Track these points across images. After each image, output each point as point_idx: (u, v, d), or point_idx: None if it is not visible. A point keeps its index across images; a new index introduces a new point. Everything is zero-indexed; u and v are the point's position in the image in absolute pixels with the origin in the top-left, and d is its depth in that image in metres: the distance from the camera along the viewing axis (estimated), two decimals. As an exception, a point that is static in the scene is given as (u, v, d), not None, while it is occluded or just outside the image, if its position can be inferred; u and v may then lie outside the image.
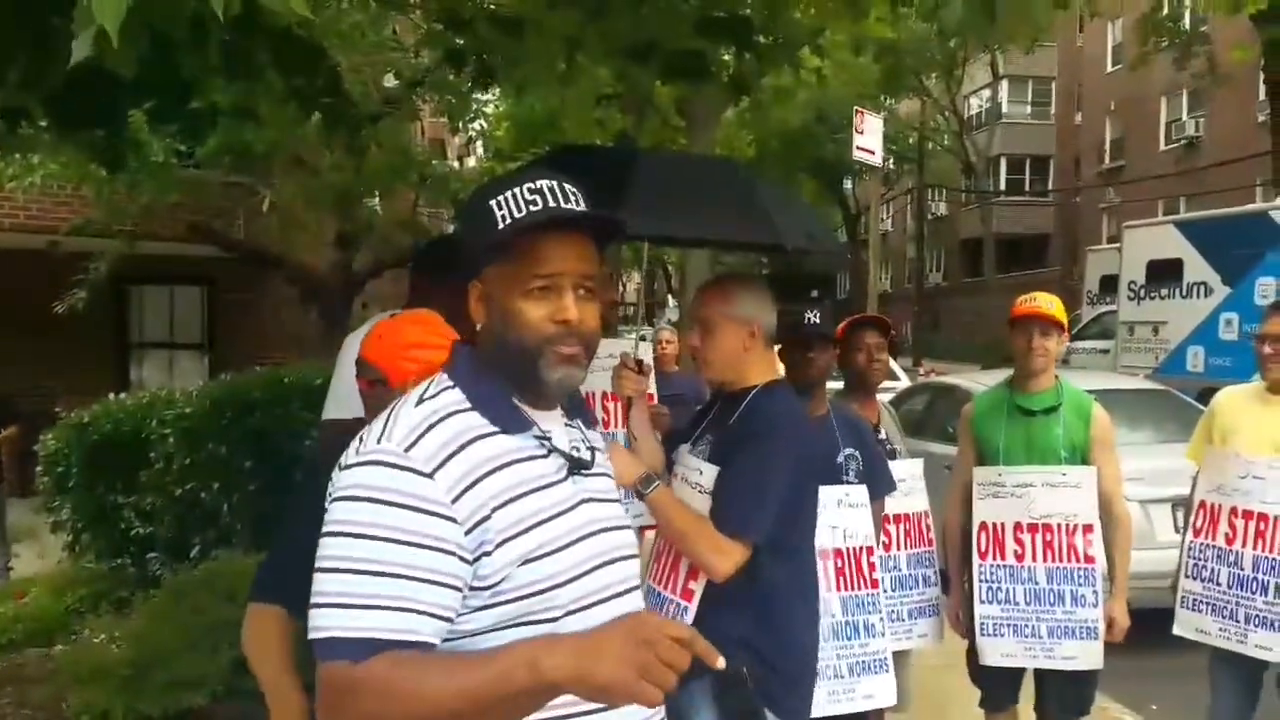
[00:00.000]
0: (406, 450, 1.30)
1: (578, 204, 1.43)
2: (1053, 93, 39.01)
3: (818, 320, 3.20)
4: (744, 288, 2.58)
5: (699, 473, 2.48)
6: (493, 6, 4.53)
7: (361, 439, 1.36)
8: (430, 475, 1.29)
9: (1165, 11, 22.05)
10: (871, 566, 3.19)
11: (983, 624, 3.52)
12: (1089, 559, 3.41)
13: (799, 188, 28.44)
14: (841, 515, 3.14)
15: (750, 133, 22.13)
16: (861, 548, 3.18)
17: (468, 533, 1.29)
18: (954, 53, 16.06)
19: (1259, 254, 13.33)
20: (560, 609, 1.36)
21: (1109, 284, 17.69)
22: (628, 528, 1.56)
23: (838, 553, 3.14)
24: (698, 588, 2.44)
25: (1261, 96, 20.72)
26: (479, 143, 16.47)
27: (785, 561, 2.42)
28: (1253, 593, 3.43)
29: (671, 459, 2.63)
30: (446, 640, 1.30)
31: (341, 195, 9.55)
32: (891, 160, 33.57)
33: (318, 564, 1.28)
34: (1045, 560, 3.44)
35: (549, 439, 1.44)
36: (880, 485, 3.35)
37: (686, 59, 3.65)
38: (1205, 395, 4.05)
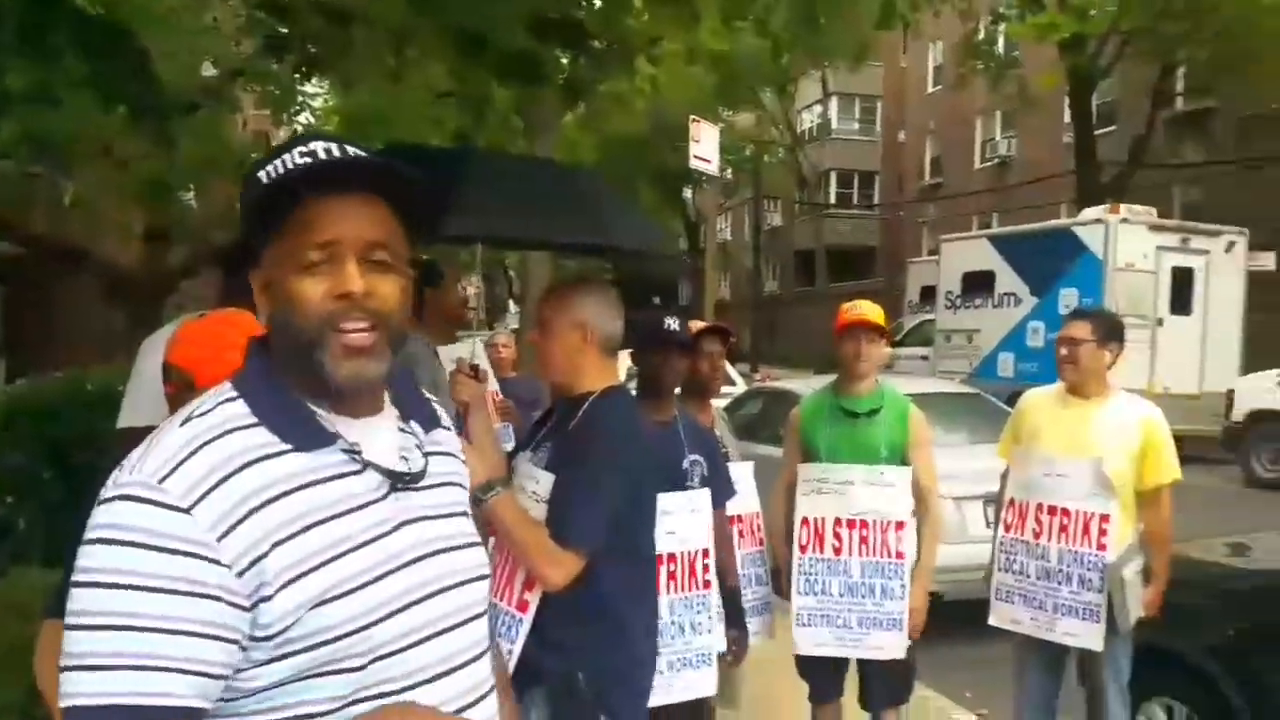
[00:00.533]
0: (160, 481, 1.09)
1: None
2: (878, 111, 40.83)
3: (676, 327, 3.22)
4: (583, 291, 2.54)
5: (535, 481, 2.43)
6: (318, -6, 4.35)
7: (121, 467, 1.15)
8: (188, 510, 1.08)
9: (981, 36, 23.44)
10: (706, 569, 3.23)
11: (798, 615, 3.64)
12: (899, 554, 3.56)
13: (640, 195, 28.72)
14: (680, 521, 3.17)
15: (592, 139, 22.19)
16: (697, 551, 3.22)
17: (240, 574, 1.09)
18: (785, 68, 16.59)
19: (1063, 267, 14.30)
20: (367, 655, 1.16)
21: (928, 294, 18.63)
22: (475, 545, 1.36)
23: (671, 557, 3.16)
24: (533, 599, 2.39)
25: (1067, 119, 22.28)
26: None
27: (622, 569, 2.40)
28: (1058, 584, 3.63)
29: (513, 467, 2.57)
30: (230, 699, 1.12)
31: (152, 188, 8.97)
32: (729, 171, 34.36)
33: (65, 617, 1.09)
34: (860, 554, 3.58)
35: (359, 452, 1.22)
36: (723, 491, 3.41)
37: (519, 59, 3.58)
38: (1014, 399, 4.28)
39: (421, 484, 1.28)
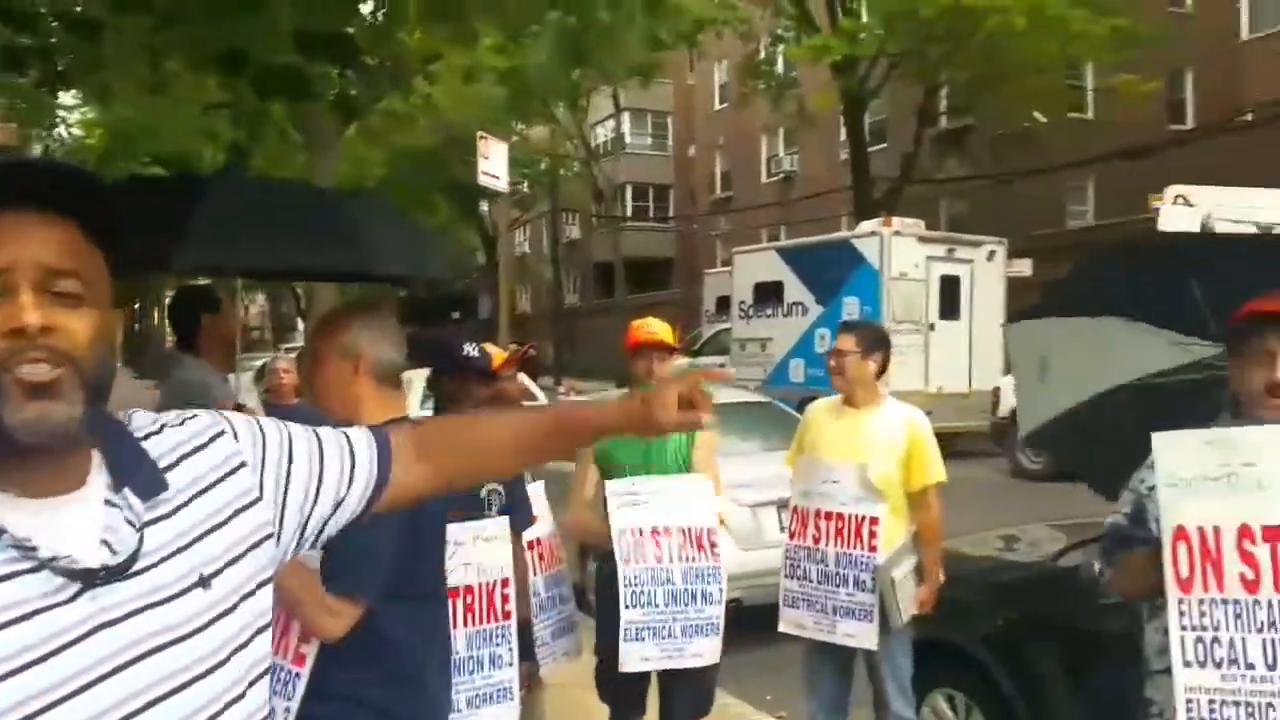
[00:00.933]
0: None
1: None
2: (669, 126, 41.83)
3: (475, 354, 3.12)
4: (355, 319, 2.41)
5: None
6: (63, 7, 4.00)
7: None
8: None
9: (762, 56, 24.44)
10: (505, 599, 3.16)
11: (626, 630, 3.56)
12: (716, 558, 3.61)
13: (436, 209, 28.19)
14: (477, 551, 3.09)
15: (380, 152, 21.59)
16: (496, 581, 3.15)
17: None
18: (576, 83, 16.73)
19: (844, 277, 15.06)
20: None
21: (724, 304, 19.19)
22: (211, 624, 1.08)
23: (468, 589, 3.09)
24: (311, 651, 2.24)
25: (843, 137, 23.53)
26: (57, 152, 14.68)
27: (408, 608, 2.28)
28: (836, 586, 3.78)
29: None
30: None
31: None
32: (526, 184, 34.27)
33: None
34: (681, 560, 3.59)
35: (33, 547, 0.97)
36: (523, 519, 3.35)
37: (284, 75, 3.40)
38: (806, 403, 4.46)
39: (134, 569, 1.03)
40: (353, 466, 1.31)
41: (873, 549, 3.70)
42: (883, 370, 3.92)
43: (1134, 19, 17.83)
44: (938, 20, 16.86)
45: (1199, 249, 2.68)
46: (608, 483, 3.71)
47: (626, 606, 3.57)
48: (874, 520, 3.70)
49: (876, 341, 3.94)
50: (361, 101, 4.24)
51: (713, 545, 3.63)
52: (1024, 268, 16.01)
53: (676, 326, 4.12)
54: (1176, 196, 9.74)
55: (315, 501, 1.27)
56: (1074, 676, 3.50)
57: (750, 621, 4.79)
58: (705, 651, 3.62)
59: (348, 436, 1.34)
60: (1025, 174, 21.30)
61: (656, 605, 3.59)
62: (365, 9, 3.83)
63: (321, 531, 1.30)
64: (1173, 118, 24.44)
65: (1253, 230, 8.23)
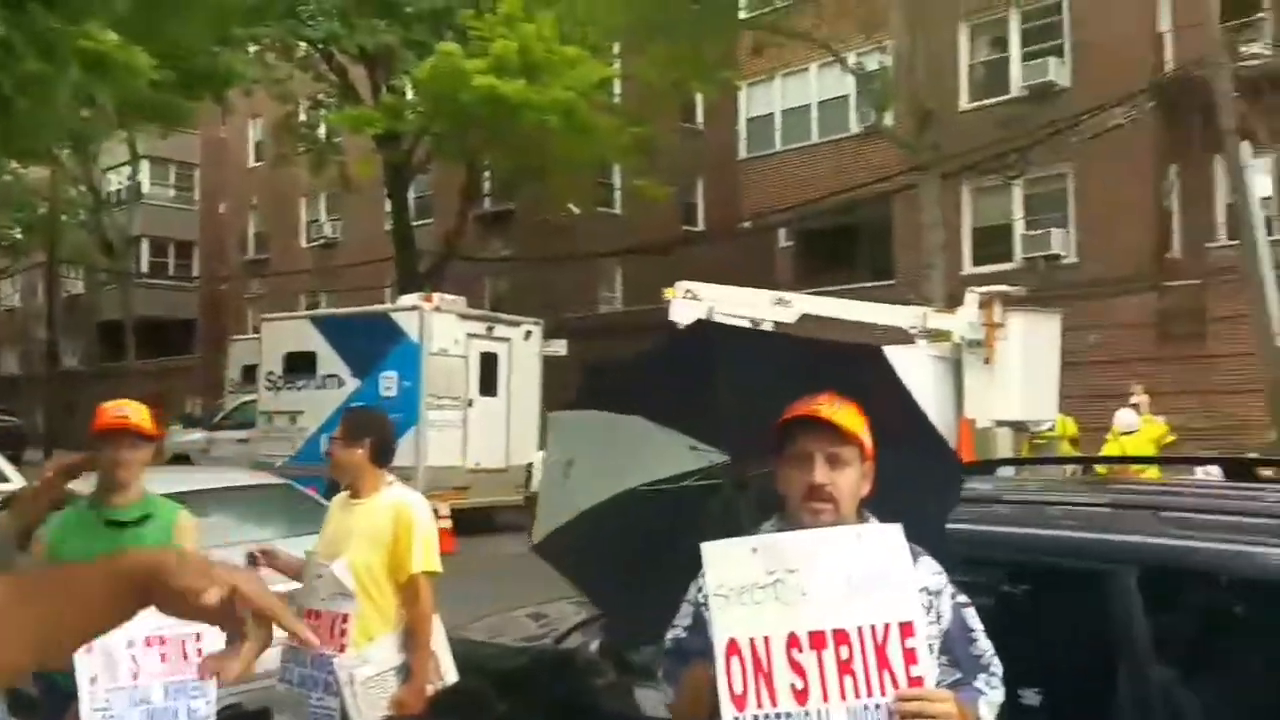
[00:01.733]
0: None
1: None
2: (196, 179, 38.88)
3: None
4: None
5: None
6: None
7: None
8: None
9: (303, 119, 23.69)
10: None
11: None
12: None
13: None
14: None
15: None
16: None
17: None
18: (81, 124, 14.75)
19: (383, 350, 14.77)
20: None
21: (251, 373, 17.96)
22: None
23: None
24: None
25: (388, 208, 23.34)
26: None
27: None
28: (310, 690, 3.55)
29: None
30: None
31: None
32: (19, 230, 30.09)
33: None
34: (161, 676, 3.07)
35: None
36: None
37: None
38: (335, 482, 4.08)
39: None
40: None
41: (341, 648, 3.47)
42: (378, 456, 3.72)
43: (653, 130, 19.80)
44: (477, 107, 17.40)
45: (727, 347, 2.66)
46: None
47: None
48: (344, 618, 3.49)
49: (360, 428, 3.75)
50: None
51: (199, 653, 3.14)
52: (559, 347, 16.81)
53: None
54: (685, 290, 10.72)
55: None
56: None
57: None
58: None
59: None
60: (562, 259, 22.57)
61: None
62: None
63: None
64: (686, 219, 27.38)
65: (747, 324, 9.24)
